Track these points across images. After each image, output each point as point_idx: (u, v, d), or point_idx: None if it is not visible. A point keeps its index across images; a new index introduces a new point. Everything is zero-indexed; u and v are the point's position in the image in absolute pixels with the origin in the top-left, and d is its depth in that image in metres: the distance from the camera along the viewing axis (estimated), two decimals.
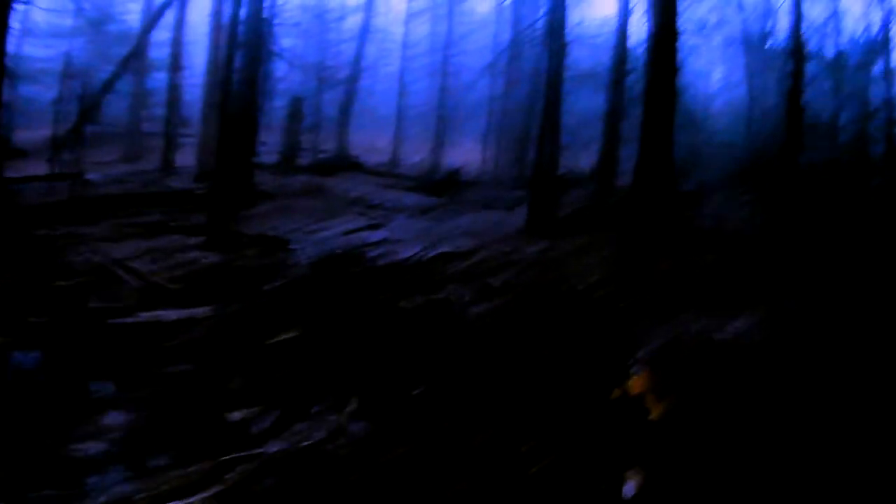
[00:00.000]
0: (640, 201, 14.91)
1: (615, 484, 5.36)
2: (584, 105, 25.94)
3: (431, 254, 12.48)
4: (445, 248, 13.04)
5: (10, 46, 14.41)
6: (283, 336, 7.98)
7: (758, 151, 25.25)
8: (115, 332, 8.10)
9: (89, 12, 26.79)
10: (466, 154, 31.62)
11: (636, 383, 6.71)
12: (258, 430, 6.24)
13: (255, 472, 5.49)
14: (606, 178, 22.46)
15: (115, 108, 24.75)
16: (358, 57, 31.88)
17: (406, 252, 12.59)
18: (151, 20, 24.44)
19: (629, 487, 5.22)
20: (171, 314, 8.63)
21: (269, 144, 27.02)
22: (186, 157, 22.14)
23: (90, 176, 18.42)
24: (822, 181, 24.22)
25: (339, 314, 8.53)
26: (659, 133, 14.88)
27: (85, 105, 22.69)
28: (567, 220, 17.14)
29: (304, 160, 25.89)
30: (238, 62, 17.97)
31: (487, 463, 5.70)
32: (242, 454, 5.70)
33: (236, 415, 6.47)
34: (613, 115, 22.82)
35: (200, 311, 8.69)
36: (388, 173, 26.35)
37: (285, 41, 26.64)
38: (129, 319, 8.45)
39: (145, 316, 8.58)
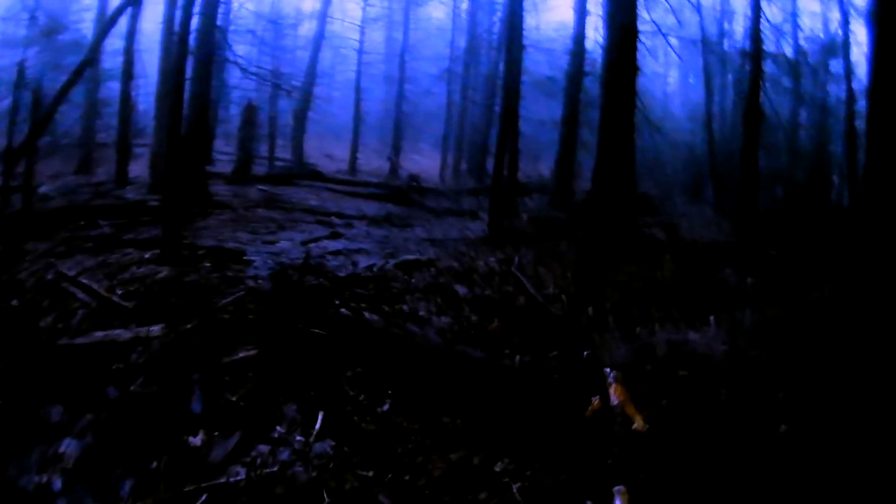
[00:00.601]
0: (599, 206, 14.71)
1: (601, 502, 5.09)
2: (541, 110, 25.93)
3: (393, 263, 12.16)
4: (407, 256, 12.74)
5: None
6: (242, 353, 7.62)
7: (716, 152, 25.39)
8: (66, 353, 7.69)
9: (42, 21, 26.23)
10: (425, 160, 31.53)
11: (615, 392, 6.42)
12: (220, 454, 5.91)
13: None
14: (565, 184, 22.41)
15: (69, 118, 24.25)
16: (313, 63, 31.55)
17: (367, 261, 12.26)
18: (104, 28, 23.80)
19: None
20: (125, 333, 8.21)
21: (226, 154, 26.72)
22: (141, 168, 21.64)
23: (43, 189, 17.95)
24: (782, 183, 24.36)
25: (299, 329, 8.19)
26: (618, 136, 14.68)
27: (38, 116, 22.13)
28: (527, 227, 16.97)
29: (260, 169, 25.54)
30: (190, 70, 17.64)
31: (461, 483, 5.42)
32: (204, 484, 5.39)
33: (195, 439, 6.12)
34: (571, 119, 22.76)
35: (155, 329, 8.26)
36: (347, 181, 26.02)
37: (239, 48, 26.35)
38: (81, 340, 8.03)
39: (98, 335, 8.13)
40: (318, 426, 6.38)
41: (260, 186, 21.83)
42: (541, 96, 26.33)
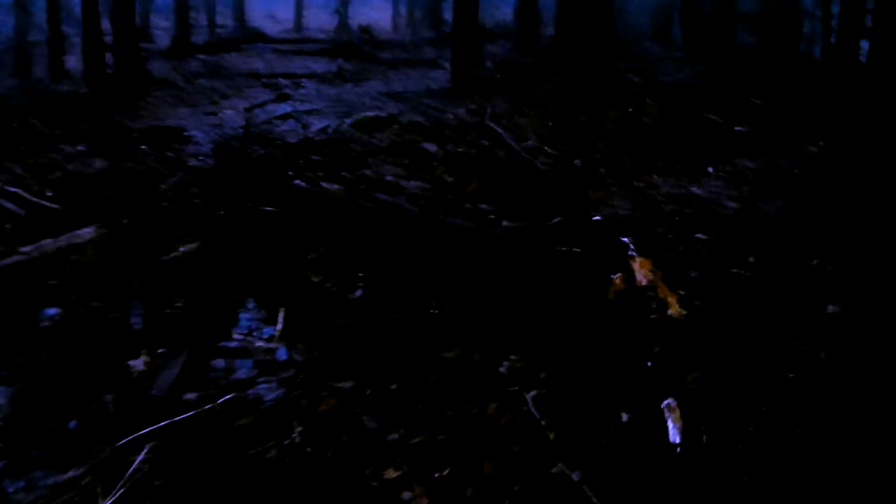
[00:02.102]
0: (575, 48, 13.42)
1: (646, 421, 3.87)
2: None
3: (349, 122, 10.79)
4: (365, 114, 11.36)
5: None
6: (183, 248, 6.37)
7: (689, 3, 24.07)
8: None
9: None
10: (376, 12, 29.74)
11: (640, 268, 5.16)
12: (167, 381, 4.70)
13: (170, 449, 4.00)
14: (530, 28, 21.04)
15: (5, 24, 22.63)
16: None
17: (320, 123, 10.86)
18: None
19: (673, 431, 3.64)
20: (55, 242, 6.90)
21: (165, 29, 24.83)
22: (77, 59, 19.83)
23: None
24: (753, 27, 23.01)
25: (248, 209, 6.96)
26: None
27: None
28: (494, 75, 15.58)
29: (200, 39, 23.73)
30: None
31: (462, 391, 4.26)
32: (147, 430, 4.19)
33: (137, 362, 4.89)
34: None
35: (88, 232, 6.98)
36: (293, 40, 24.25)
37: None
38: (10, 259, 6.72)
39: (26, 250, 6.84)
40: (279, 326, 5.19)
41: (200, 56, 20.15)
42: None
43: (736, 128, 10.81)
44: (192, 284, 5.78)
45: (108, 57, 15.23)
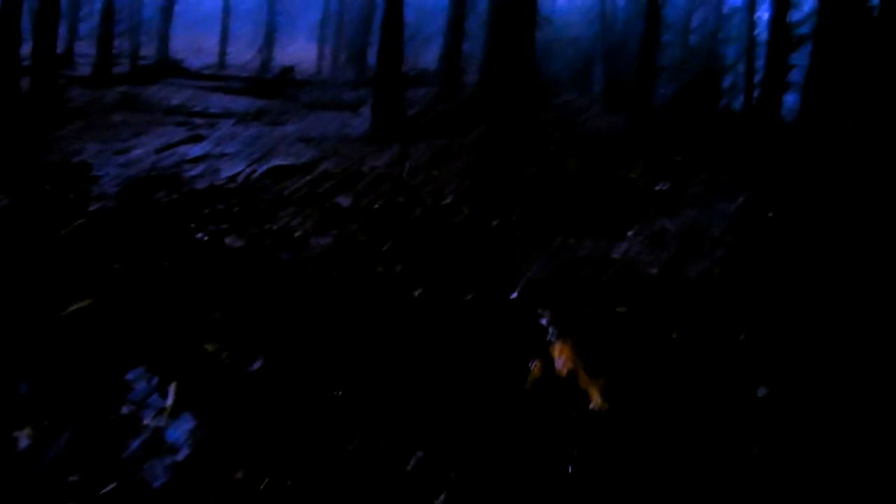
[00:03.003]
0: (497, 100, 13.21)
1: None
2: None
3: (262, 169, 10.36)
4: (279, 161, 10.94)
5: None
6: (75, 305, 5.90)
7: (610, 47, 24.22)
8: None
9: None
10: (301, 52, 29.34)
11: (560, 354, 4.86)
12: (51, 456, 4.26)
13: None
14: (453, 76, 20.84)
15: None
16: None
17: (231, 169, 10.42)
18: None
19: None
20: None
21: (89, 56, 24.06)
22: None
23: None
24: (672, 81, 23.23)
25: (145, 264, 6.52)
26: (516, 23, 13.15)
27: None
28: (415, 122, 15.29)
29: (123, 69, 23.05)
30: None
31: (363, 488, 3.90)
32: None
33: (23, 437, 4.43)
34: (457, 6, 21.06)
35: None
36: (214, 76, 23.70)
37: None
38: None
39: None
40: (170, 401, 4.78)
41: (120, 88, 19.52)
42: None
43: (656, 186, 10.63)
44: (83, 347, 5.32)
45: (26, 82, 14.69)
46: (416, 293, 6.25)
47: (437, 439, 4.22)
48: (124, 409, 4.67)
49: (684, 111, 20.24)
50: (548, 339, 5.07)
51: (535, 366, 4.74)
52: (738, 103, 24.13)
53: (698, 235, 8.32)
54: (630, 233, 8.39)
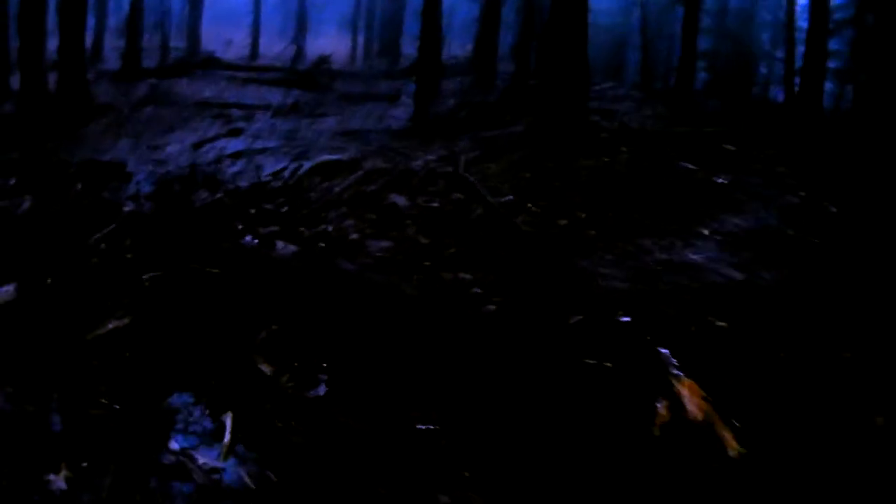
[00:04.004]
0: (549, 91, 12.57)
1: None
2: None
3: (308, 165, 9.70)
4: (324, 156, 10.29)
5: None
6: (112, 324, 5.26)
7: (647, 34, 23.60)
8: None
9: None
10: (333, 43, 28.76)
11: (688, 393, 4.10)
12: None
13: None
14: (488, 64, 20.29)
15: None
16: None
17: (274, 165, 9.78)
18: None
19: None
20: None
21: (116, 48, 23.60)
22: None
23: None
24: (709, 68, 22.51)
25: (188, 273, 5.89)
26: (571, 9, 12.53)
27: None
28: (456, 113, 14.66)
29: (152, 62, 22.55)
30: None
31: None
32: None
33: (58, 481, 3.79)
34: None
35: (3, 292, 5.86)
36: (247, 67, 23.17)
37: None
38: None
39: None
40: (227, 438, 4.12)
41: (150, 81, 18.98)
42: None
43: (716, 179, 9.97)
44: (122, 372, 4.68)
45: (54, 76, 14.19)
46: (491, 307, 5.54)
47: (555, 497, 3.52)
48: (173, 444, 4.03)
49: (721, 98, 19.60)
50: (670, 372, 4.35)
51: (663, 407, 4.01)
52: (773, 90, 23.54)
53: (771, 235, 7.73)
54: (704, 231, 7.78)
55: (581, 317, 5.26)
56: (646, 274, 6.41)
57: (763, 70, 25.10)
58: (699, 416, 3.85)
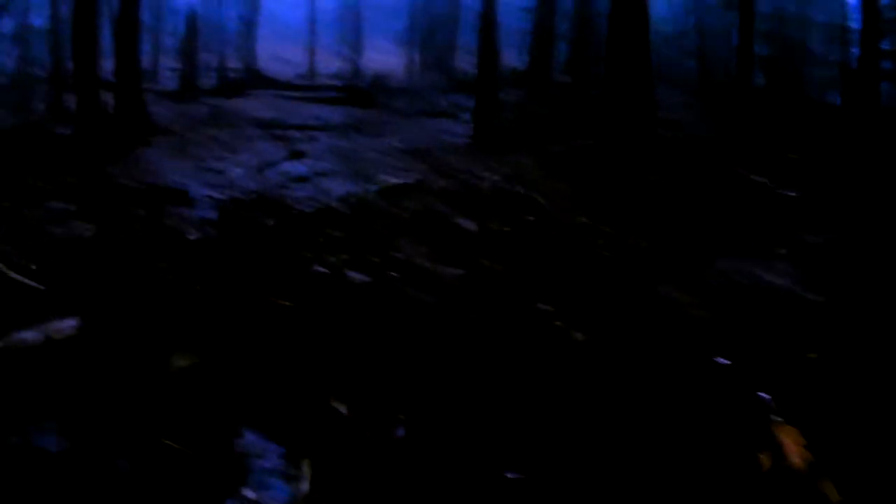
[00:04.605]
0: (616, 104, 12.30)
1: None
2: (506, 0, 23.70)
3: (374, 188, 9.50)
4: (390, 178, 10.09)
5: None
6: (179, 361, 5.06)
7: (704, 41, 23.22)
8: None
9: None
10: (388, 58, 28.72)
11: (789, 441, 3.82)
12: None
13: None
14: (543, 76, 20.04)
15: (9, 56, 21.63)
16: None
17: (341, 188, 9.59)
18: None
19: None
20: (31, 336, 5.59)
21: (172, 69, 23.76)
22: None
23: None
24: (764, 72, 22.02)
25: (258, 304, 5.70)
26: (632, 19, 12.28)
27: None
28: (517, 128, 14.41)
29: (208, 82, 22.64)
30: None
31: None
32: None
33: None
34: (545, 7, 20.25)
35: (67, 326, 5.68)
36: (305, 86, 23.17)
37: None
38: None
39: None
40: (305, 486, 3.89)
41: (208, 101, 19.01)
42: None
43: (785, 192, 9.69)
44: (192, 412, 4.49)
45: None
46: (573, 342, 5.25)
47: None
48: (247, 492, 3.83)
49: (779, 103, 19.14)
50: (771, 418, 4.04)
51: (765, 456, 3.73)
52: (830, 93, 22.95)
53: (847, 253, 7.42)
54: (781, 250, 7.48)
55: (672, 355, 4.97)
56: (729, 300, 6.10)
57: (818, 72, 24.62)
58: (800, 464, 3.58)
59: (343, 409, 4.44)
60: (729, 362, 4.82)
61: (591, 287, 6.21)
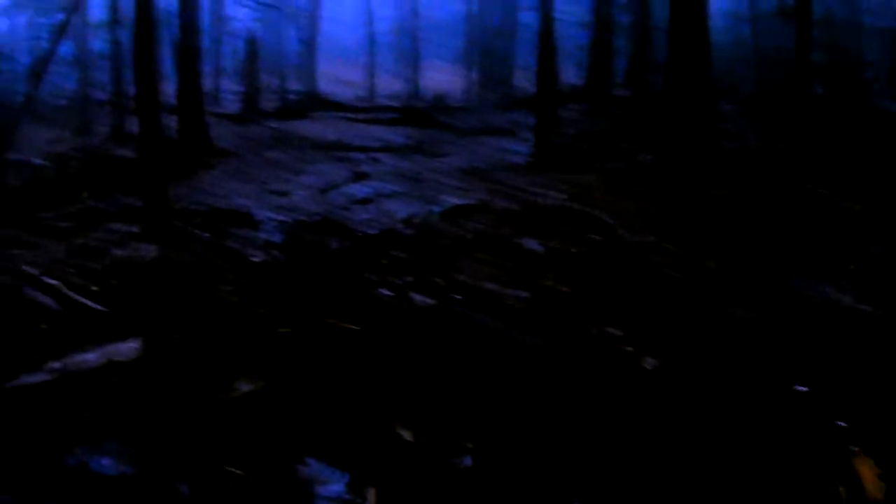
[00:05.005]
0: (677, 117, 12.13)
1: None
2: (562, 16, 23.57)
3: (437, 209, 9.44)
4: (452, 199, 10.02)
5: None
6: (244, 387, 5.02)
7: (760, 50, 22.88)
8: (14, 400, 5.08)
9: None
10: (446, 77, 28.79)
11: (867, 473, 3.68)
12: None
13: None
14: (602, 92, 19.93)
15: (69, 79, 22.11)
16: None
17: (404, 210, 9.54)
18: None
19: None
20: (89, 358, 5.59)
21: (234, 92, 24.03)
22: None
23: (35, 159, 15.46)
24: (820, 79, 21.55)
25: (322, 328, 5.66)
26: (692, 31, 12.12)
27: (29, 81, 19.88)
28: (578, 145, 14.28)
29: (270, 104, 22.84)
30: (179, 5, 15.13)
31: None
32: None
33: None
34: (602, 22, 20.14)
35: (129, 348, 5.69)
36: (365, 108, 23.25)
37: None
38: (34, 378, 5.39)
39: (55, 367, 5.53)
40: None
41: (270, 123, 19.16)
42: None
43: (851, 205, 9.50)
44: (254, 438, 4.44)
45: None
46: (645, 368, 5.09)
47: None
48: None
49: (835, 111, 18.71)
50: (849, 449, 3.88)
51: (843, 488, 3.59)
52: (884, 101, 22.39)
53: None
54: (850, 267, 7.24)
55: (746, 382, 4.79)
56: (803, 322, 5.90)
57: (872, 77, 24.05)
58: (877, 495, 3.44)
59: (408, 435, 4.36)
60: (806, 389, 4.64)
61: (660, 310, 6.06)
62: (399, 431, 4.39)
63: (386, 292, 6.39)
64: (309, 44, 27.73)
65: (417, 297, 6.27)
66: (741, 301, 6.32)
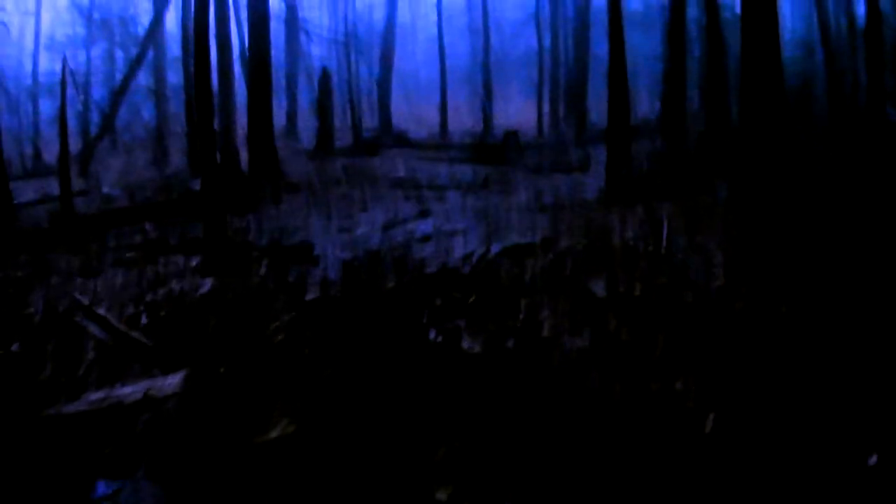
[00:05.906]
0: (752, 154, 11.66)
1: None
2: (634, 48, 23.26)
3: (497, 248, 9.06)
4: (515, 237, 9.63)
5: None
6: (277, 431, 4.71)
7: (833, 73, 22.22)
8: (50, 429, 4.89)
9: (98, 17, 24.34)
10: (519, 112, 28.61)
11: None
12: None
13: None
14: (676, 126, 19.40)
15: (146, 111, 22.52)
16: (390, 23, 28.70)
17: (464, 248, 9.18)
18: (157, 13, 21.45)
19: None
20: (131, 391, 5.39)
21: (311, 128, 24.14)
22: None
23: (107, 189, 15.66)
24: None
25: (365, 372, 5.34)
26: (765, 63, 11.67)
27: (106, 113, 20.27)
28: (651, 180, 13.81)
29: (344, 141, 22.86)
30: (250, 40, 15.22)
31: None
32: None
33: None
34: (675, 56, 19.70)
35: (172, 383, 5.46)
36: (437, 145, 23.19)
37: (311, 13, 23.94)
38: (72, 407, 5.21)
39: (95, 398, 5.34)
40: None
41: (342, 160, 19.12)
42: (633, 33, 23.49)
43: None
44: (285, 486, 4.13)
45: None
46: (709, 426, 4.61)
47: None
48: None
49: None
50: None
51: None
52: None
53: None
54: None
55: (817, 453, 4.28)
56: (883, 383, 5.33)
57: None
58: None
59: (443, 495, 4.00)
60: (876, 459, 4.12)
61: (729, 359, 5.58)
62: (436, 493, 4.03)
63: (434, 336, 6.05)
64: (383, 81, 27.78)
65: (466, 343, 5.91)
66: (816, 349, 5.80)
